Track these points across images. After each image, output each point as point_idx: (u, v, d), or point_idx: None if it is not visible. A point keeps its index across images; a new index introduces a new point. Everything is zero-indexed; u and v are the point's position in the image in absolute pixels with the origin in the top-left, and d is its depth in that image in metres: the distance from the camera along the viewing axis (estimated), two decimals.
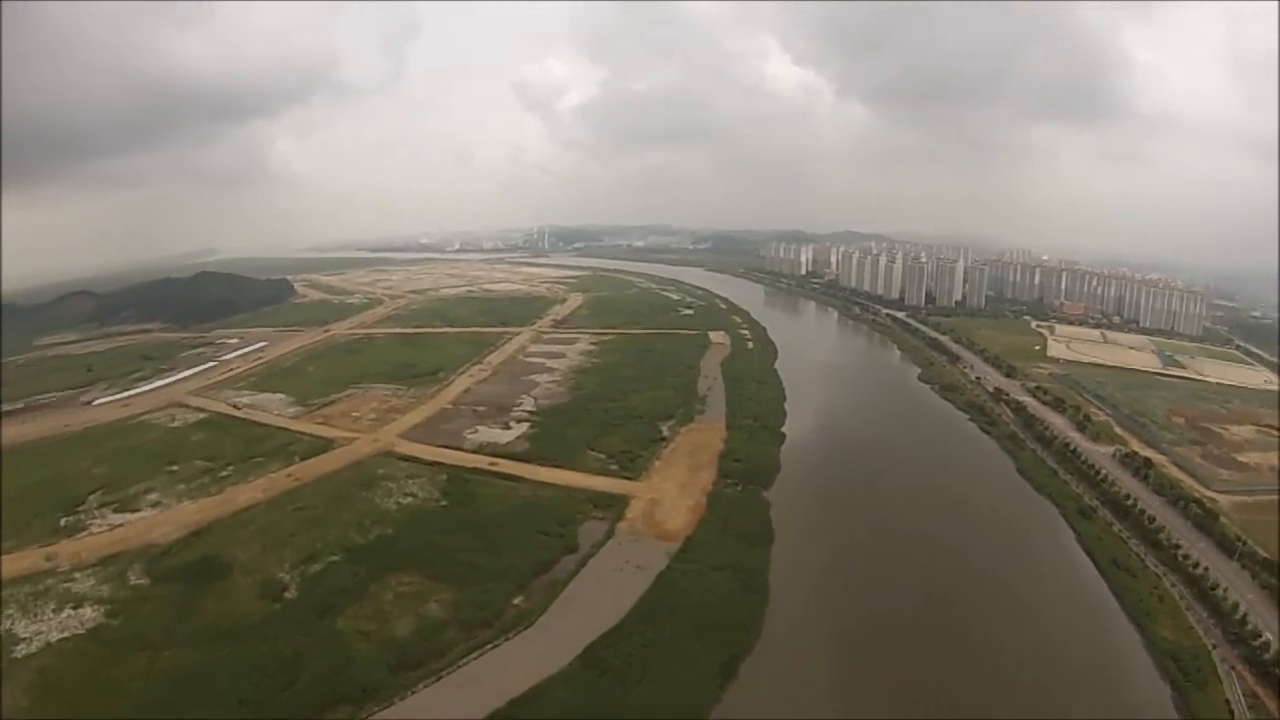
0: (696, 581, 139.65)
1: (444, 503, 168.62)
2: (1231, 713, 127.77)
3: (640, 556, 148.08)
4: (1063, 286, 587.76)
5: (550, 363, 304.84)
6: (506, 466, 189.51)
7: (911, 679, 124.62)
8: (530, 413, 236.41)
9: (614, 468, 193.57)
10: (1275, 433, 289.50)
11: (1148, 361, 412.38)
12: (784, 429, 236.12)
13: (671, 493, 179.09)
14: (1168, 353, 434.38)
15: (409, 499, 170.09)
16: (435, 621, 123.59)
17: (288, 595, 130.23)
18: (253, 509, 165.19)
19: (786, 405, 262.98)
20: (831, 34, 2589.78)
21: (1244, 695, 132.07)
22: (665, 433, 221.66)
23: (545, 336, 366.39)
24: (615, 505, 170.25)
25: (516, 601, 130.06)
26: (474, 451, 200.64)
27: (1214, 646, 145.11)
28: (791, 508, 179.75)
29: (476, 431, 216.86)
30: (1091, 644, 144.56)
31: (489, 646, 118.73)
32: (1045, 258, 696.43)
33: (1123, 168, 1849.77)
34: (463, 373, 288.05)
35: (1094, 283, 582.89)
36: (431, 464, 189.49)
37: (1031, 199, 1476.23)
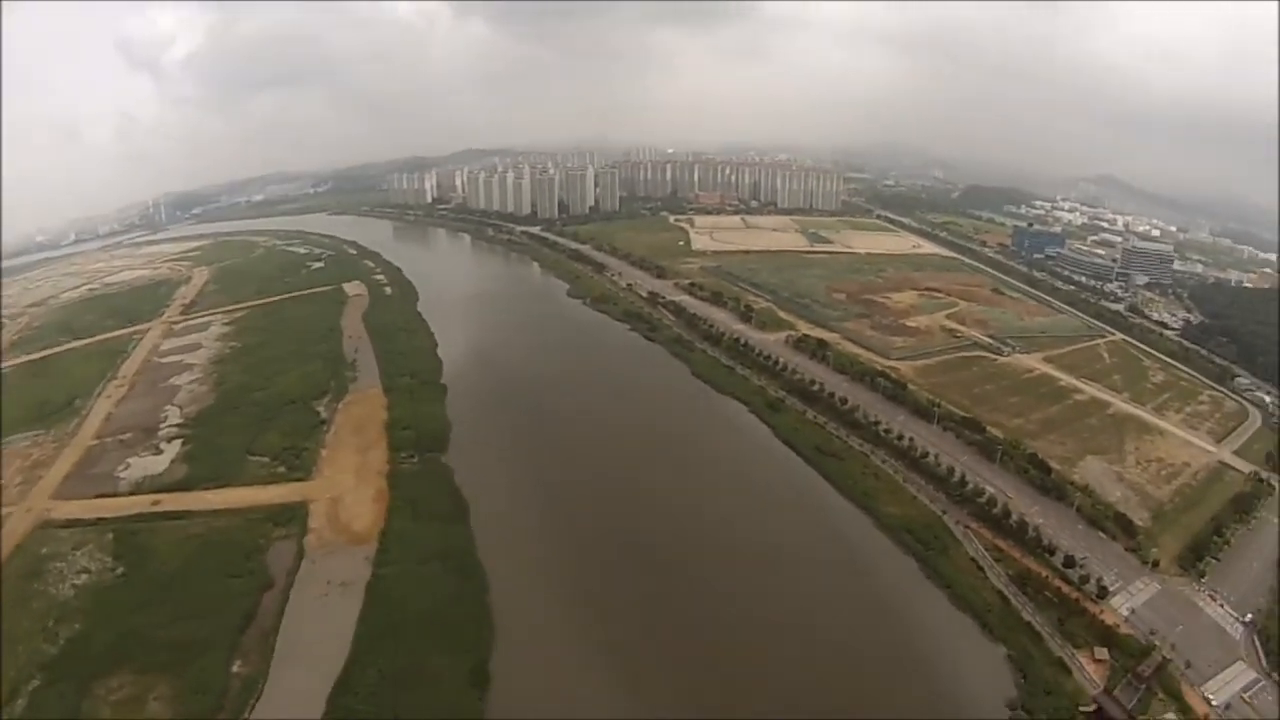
0: (409, 584, 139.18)
1: (120, 570, 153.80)
2: (981, 569, 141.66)
3: (340, 571, 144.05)
4: (695, 178, 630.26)
5: (188, 358, 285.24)
6: (171, 502, 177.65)
7: (668, 626, 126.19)
8: (179, 426, 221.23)
9: (281, 470, 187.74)
10: (937, 295, 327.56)
11: (795, 241, 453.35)
12: (443, 380, 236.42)
13: (349, 485, 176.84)
14: (812, 230, 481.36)
15: (84, 577, 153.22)
16: None
17: None
18: None
19: (440, 352, 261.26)
20: None
21: (986, 550, 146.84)
22: (323, 413, 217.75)
23: (177, 327, 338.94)
24: (296, 517, 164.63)
25: (236, 669, 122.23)
26: (132, 493, 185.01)
27: (943, 512, 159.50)
28: (476, 468, 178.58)
29: (129, 466, 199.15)
30: (823, 535, 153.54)
31: None
32: (671, 151, 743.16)
33: (747, 64, 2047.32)
34: (100, 395, 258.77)
35: (727, 171, 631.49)
36: (94, 523, 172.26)
37: (655, 100, 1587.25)
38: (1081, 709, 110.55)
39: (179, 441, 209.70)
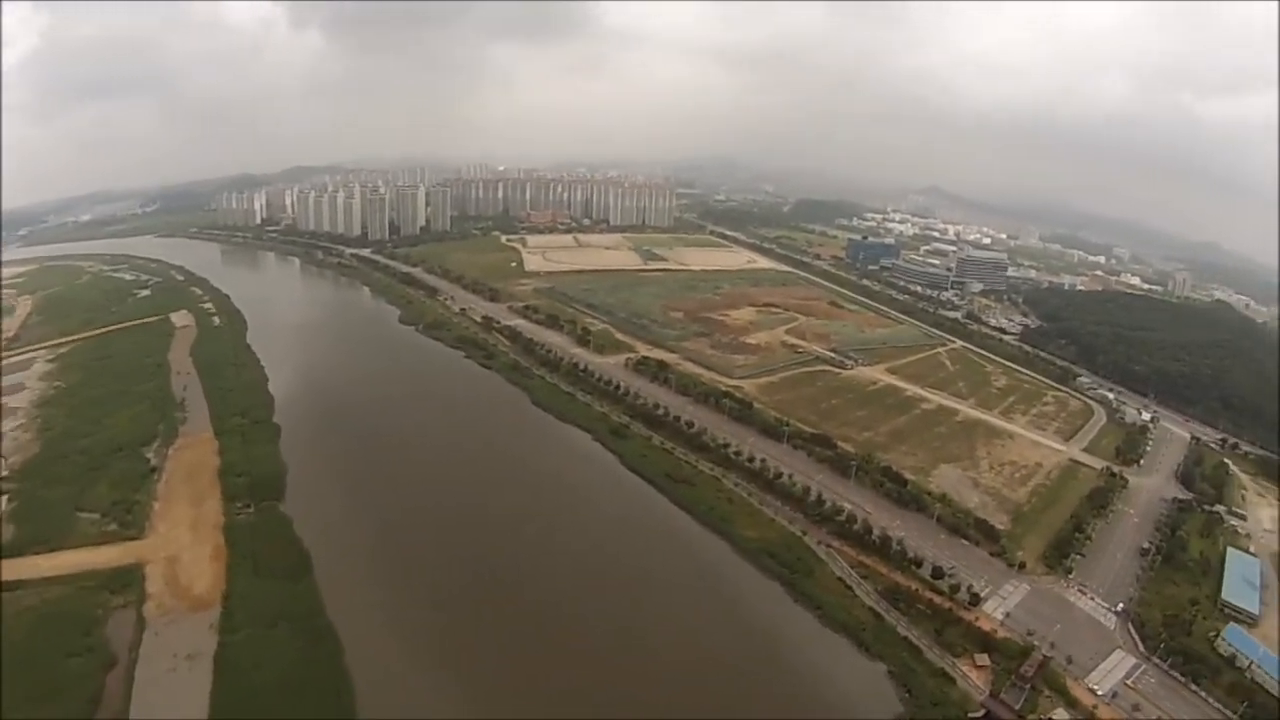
0: (259, 652, 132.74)
1: None
2: (849, 588, 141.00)
3: (185, 642, 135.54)
4: (528, 197, 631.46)
5: (10, 401, 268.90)
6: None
7: (534, 667, 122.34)
8: (3, 480, 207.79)
9: (113, 527, 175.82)
10: (775, 310, 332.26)
11: (629, 260, 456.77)
12: (276, 418, 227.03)
13: (185, 542, 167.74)
14: (646, 247, 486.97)
15: None
16: None
17: None
18: None
19: (271, 387, 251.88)
20: None
21: (852, 568, 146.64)
22: (154, 460, 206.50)
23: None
24: (132, 582, 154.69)
25: None
26: None
27: (803, 533, 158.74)
28: (315, 514, 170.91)
29: None
30: (684, 564, 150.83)
31: None
32: (502, 168, 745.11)
33: (584, 79, 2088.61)
34: None
35: (559, 189, 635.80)
36: None
37: (489, 115, 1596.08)
38: (970, 716, 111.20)
39: (4, 498, 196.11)
